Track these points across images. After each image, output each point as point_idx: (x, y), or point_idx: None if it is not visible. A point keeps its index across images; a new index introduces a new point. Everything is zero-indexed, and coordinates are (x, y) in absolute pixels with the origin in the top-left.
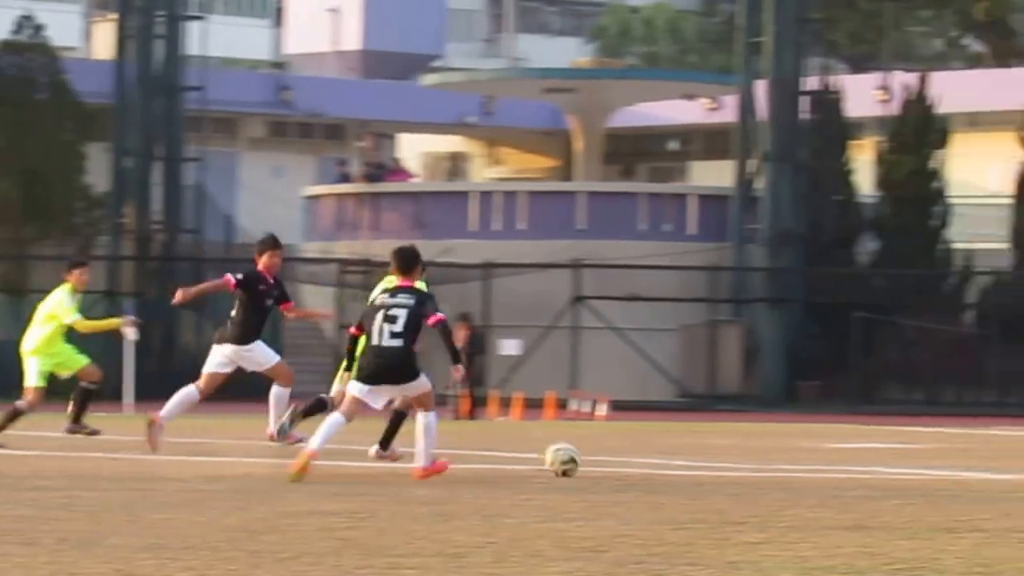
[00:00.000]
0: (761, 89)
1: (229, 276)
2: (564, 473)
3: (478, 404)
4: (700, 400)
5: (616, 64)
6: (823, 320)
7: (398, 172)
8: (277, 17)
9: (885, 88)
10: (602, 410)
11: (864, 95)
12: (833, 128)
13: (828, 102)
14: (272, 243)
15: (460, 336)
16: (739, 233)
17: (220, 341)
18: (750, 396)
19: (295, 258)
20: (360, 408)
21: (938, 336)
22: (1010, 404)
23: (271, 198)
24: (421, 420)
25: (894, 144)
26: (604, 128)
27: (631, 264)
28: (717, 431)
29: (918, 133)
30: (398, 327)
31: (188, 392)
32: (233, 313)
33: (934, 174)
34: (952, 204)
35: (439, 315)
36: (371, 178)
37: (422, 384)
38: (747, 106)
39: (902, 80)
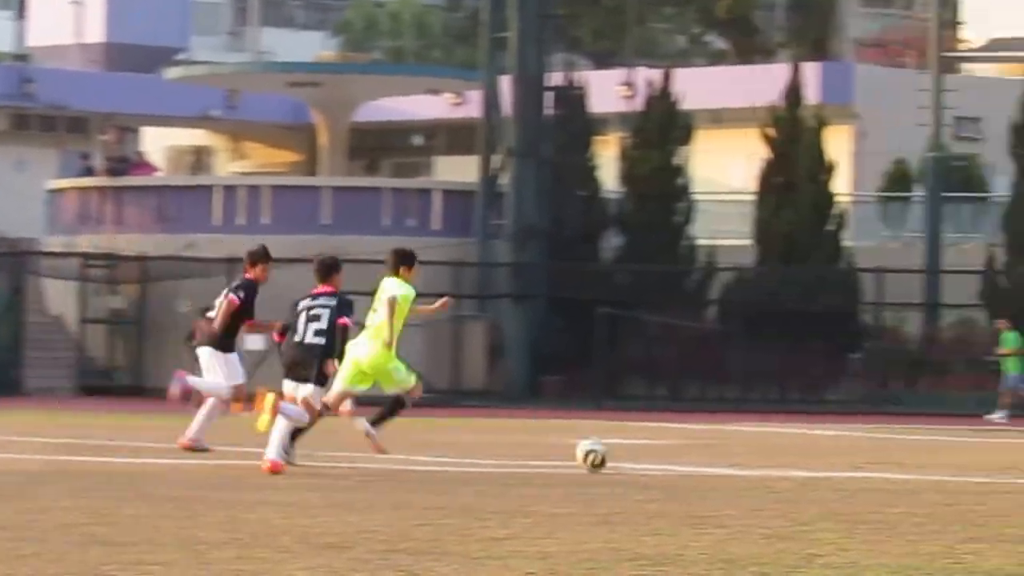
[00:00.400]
0: (505, 85)
1: (233, 297)
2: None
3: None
4: (444, 396)
5: (361, 59)
6: (567, 316)
7: (142, 166)
8: (20, 9)
9: (629, 84)
10: (347, 406)
11: (608, 91)
12: (577, 124)
13: (572, 98)
14: (266, 255)
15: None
16: (483, 229)
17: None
18: (494, 392)
19: (36, 252)
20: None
21: (682, 332)
22: (753, 400)
23: (13, 192)
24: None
25: (638, 140)
26: (349, 123)
27: (375, 259)
28: (462, 427)
29: (662, 129)
30: (322, 324)
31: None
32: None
33: (678, 170)
34: (696, 200)
35: (347, 320)
36: (114, 172)
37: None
38: (491, 102)
39: (646, 76)
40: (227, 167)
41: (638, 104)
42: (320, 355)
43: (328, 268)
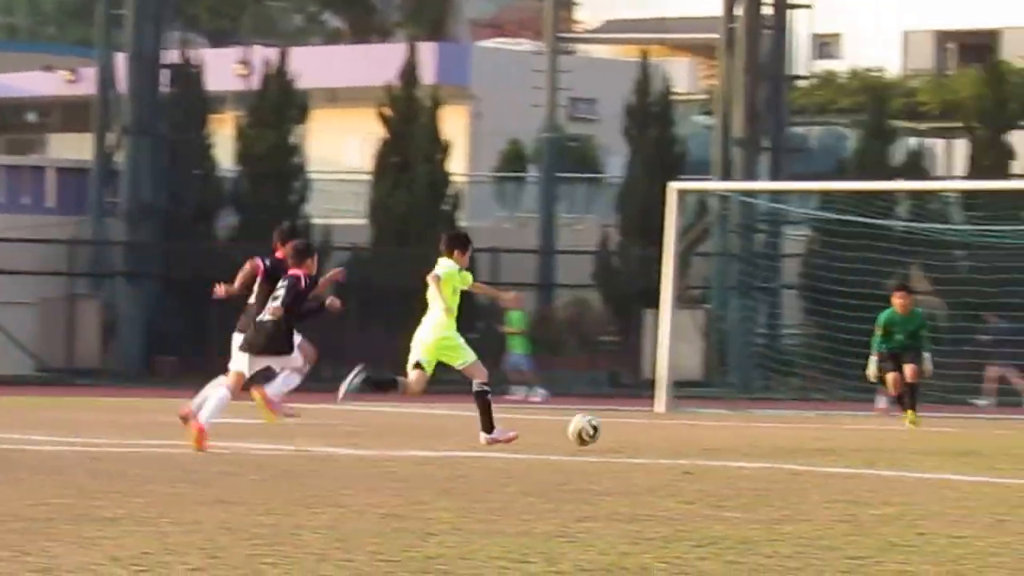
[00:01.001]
0: (121, 62)
1: (258, 261)
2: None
3: None
4: (58, 374)
5: None
6: (182, 295)
7: None
8: None
9: (245, 63)
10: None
11: (224, 70)
12: (193, 102)
13: (188, 76)
14: (294, 234)
15: None
16: (98, 207)
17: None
18: (108, 371)
19: None
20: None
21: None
22: None
23: None
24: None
25: (254, 119)
26: None
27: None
28: (76, 406)
29: (278, 108)
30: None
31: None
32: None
33: (294, 149)
34: (311, 179)
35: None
36: None
37: (294, 359)
38: (106, 79)
39: (262, 55)
40: None
41: (254, 83)
42: (270, 331)
43: (298, 253)
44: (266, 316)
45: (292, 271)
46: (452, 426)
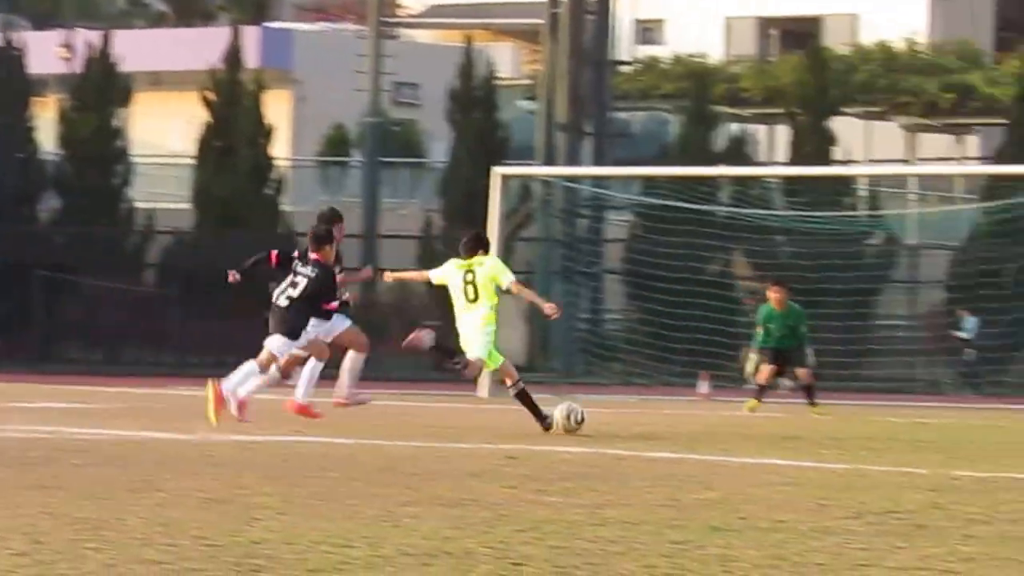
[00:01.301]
0: None
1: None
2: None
3: None
4: None
5: None
6: (4, 278)
7: None
8: None
9: (68, 46)
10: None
11: (47, 52)
12: (15, 85)
13: (10, 59)
14: (339, 216)
15: None
16: None
17: None
18: None
19: None
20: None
21: (120, 295)
22: (191, 364)
23: None
24: (310, 363)
25: (77, 102)
26: None
27: None
28: None
29: (101, 91)
30: (295, 292)
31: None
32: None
33: (116, 133)
34: (134, 163)
35: (334, 305)
36: None
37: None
38: None
39: (85, 38)
40: None
41: (77, 66)
42: (281, 318)
43: (318, 239)
44: (282, 300)
45: (313, 255)
46: (269, 409)
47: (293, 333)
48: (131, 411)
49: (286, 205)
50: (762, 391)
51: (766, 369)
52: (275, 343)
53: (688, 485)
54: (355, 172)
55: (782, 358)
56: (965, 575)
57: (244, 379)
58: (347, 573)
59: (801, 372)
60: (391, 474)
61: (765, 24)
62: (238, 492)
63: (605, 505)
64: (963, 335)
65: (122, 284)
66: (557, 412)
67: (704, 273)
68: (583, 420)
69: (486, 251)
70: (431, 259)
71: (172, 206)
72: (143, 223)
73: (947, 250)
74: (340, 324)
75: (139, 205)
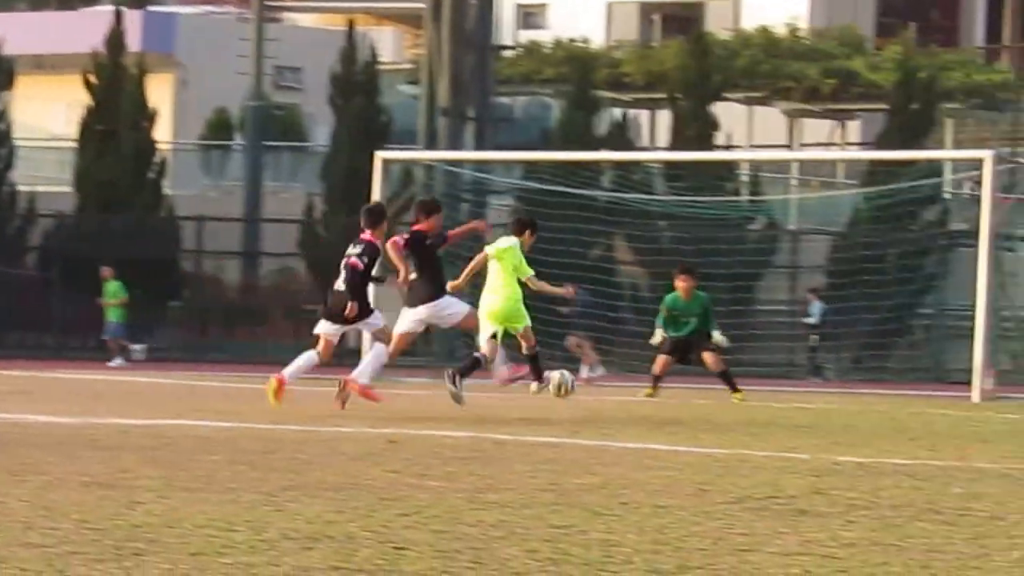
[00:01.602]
0: None
1: (396, 238)
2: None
3: None
4: None
5: None
6: None
7: None
8: None
9: None
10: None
11: None
12: None
13: None
14: (437, 207)
15: None
16: None
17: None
18: None
19: None
20: (329, 344)
21: (2, 279)
22: (71, 348)
23: None
24: (377, 347)
25: None
26: None
27: None
28: None
29: None
30: (347, 275)
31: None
32: (414, 275)
33: (0, 115)
34: (17, 146)
35: (357, 261)
36: None
37: (373, 322)
38: None
39: None
40: None
41: None
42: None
43: (371, 215)
44: (340, 285)
45: (365, 237)
46: (156, 391)
47: (363, 312)
48: (11, 394)
49: (168, 189)
50: (657, 380)
51: (662, 359)
52: (371, 319)
53: (570, 470)
54: (237, 156)
55: (685, 346)
56: (846, 560)
57: (368, 365)
58: (229, 556)
59: (710, 359)
60: (274, 458)
61: (647, 9)
62: (120, 475)
63: (487, 489)
64: (809, 320)
65: (3, 267)
66: (556, 374)
67: (586, 258)
68: (572, 389)
69: (520, 233)
70: (313, 243)
71: (54, 189)
72: (25, 206)
73: (828, 235)
74: (460, 308)
75: (21, 188)
